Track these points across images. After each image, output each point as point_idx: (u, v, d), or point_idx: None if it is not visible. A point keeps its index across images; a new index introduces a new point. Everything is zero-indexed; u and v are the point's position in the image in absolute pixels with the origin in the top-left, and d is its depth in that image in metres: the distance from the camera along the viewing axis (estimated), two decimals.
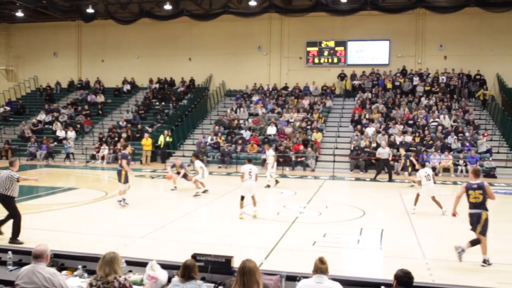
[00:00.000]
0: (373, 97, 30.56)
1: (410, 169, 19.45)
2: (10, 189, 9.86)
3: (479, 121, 27.71)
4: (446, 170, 23.27)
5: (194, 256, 5.94)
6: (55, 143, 29.39)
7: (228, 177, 22.37)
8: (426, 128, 26.39)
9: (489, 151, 24.33)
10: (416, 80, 31.01)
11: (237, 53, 33.82)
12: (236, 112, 30.82)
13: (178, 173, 17.64)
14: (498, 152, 24.85)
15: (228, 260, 6.02)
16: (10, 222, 10.12)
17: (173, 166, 18.23)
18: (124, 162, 13.86)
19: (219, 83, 34.42)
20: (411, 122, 27.20)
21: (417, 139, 25.34)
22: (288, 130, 27.44)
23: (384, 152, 22.14)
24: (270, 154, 19.23)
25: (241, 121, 29.52)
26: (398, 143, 24.96)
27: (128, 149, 14.79)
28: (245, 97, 32.64)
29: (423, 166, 14.66)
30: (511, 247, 10.40)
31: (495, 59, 30.04)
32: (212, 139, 27.27)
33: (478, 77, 30.44)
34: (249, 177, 12.70)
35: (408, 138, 25.33)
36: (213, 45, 33.88)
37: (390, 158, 22.38)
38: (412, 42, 31.65)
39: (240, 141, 26.69)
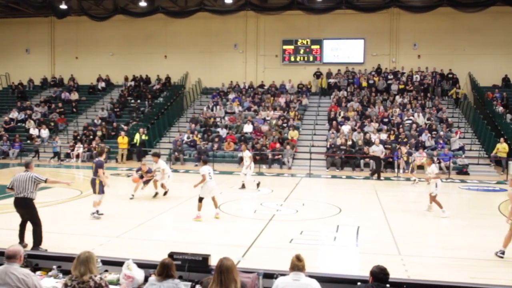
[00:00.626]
0: (349, 95, 30.82)
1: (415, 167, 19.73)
2: (33, 191, 9.20)
3: (452, 119, 28.19)
4: (420, 167, 23.57)
5: (171, 255, 5.90)
6: (40, 142, 28.77)
7: None
8: (400, 126, 26.73)
9: (461, 148, 24.77)
10: (390, 78, 31.40)
11: (213, 51, 33.73)
12: (212, 110, 30.74)
13: (142, 176, 15.98)
14: (470, 150, 25.33)
15: (205, 258, 6.00)
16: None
17: (139, 170, 16.39)
18: (100, 171, 12.34)
19: (195, 81, 34.28)
20: (386, 120, 27.51)
21: (392, 137, 25.64)
22: (265, 128, 27.48)
23: (377, 150, 21.92)
24: (246, 155, 18.35)
25: (218, 119, 29.44)
26: (373, 140, 25.23)
27: (104, 156, 13.46)
28: (221, 95, 32.58)
29: (433, 161, 14.30)
30: (483, 242, 10.61)
31: (467, 58, 30.65)
32: (188, 137, 27.13)
33: (450, 76, 30.99)
34: (210, 178, 12.40)
35: (383, 136, 25.61)
36: (189, 42, 33.73)
37: (382, 156, 22.27)
38: (387, 41, 32.05)
39: (216, 139, 26.63)
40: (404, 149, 21.15)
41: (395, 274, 6.72)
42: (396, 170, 23.29)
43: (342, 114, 28.50)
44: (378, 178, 21.33)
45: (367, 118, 27.67)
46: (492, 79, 30.70)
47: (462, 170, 23.29)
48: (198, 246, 9.53)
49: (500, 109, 27.85)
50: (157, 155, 15.95)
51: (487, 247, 10.14)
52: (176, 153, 25.87)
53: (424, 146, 24.69)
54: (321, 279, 5.40)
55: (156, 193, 15.76)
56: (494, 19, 29.86)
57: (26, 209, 9.27)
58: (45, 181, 9.34)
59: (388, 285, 5.19)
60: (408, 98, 29.86)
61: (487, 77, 30.45)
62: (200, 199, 12.33)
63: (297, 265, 5.15)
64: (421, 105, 29.01)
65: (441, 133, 25.89)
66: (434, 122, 27.27)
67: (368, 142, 24.97)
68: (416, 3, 29.58)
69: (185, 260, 5.93)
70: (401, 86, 30.92)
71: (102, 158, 12.88)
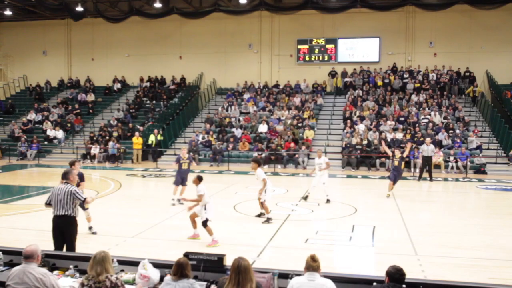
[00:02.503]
0: (364, 95, 30.66)
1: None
2: (73, 208, 7.69)
3: (469, 117, 27.87)
4: (437, 166, 23.36)
5: (187, 255, 5.92)
6: (94, 145, 28.68)
7: (220, 176, 22.36)
8: (417, 124, 26.49)
9: (479, 147, 24.48)
10: (406, 77, 31.15)
11: (228, 51, 33.78)
12: (227, 110, 30.79)
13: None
14: (488, 149, 25.02)
15: (221, 258, 6.01)
16: None
17: (179, 158, 14.44)
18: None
19: (210, 81, 34.36)
20: (402, 119, 27.30)
21: (408, 136, 25.44)
22: (280, 128, 27.45)
23: (427, 150, 21.16)
24: (323, 161, 15.60)
25: (233, 119, 29.49)
26: (389, 140, 25.08)
27: (78, 167, 10.92)
28: (236, 95, 32.62)
29: None
30: (501, 242, 10.48)
31: (484, 56, 30.26)
32: (203, 137, 27.22)
33: (467, 74, 30.63)
34: (209, 198, 10.39)
35: (399, 135, 25.43)
36: (204, 43, 33.83)
37: (433, 156, 21.50)
38: (402, 40, 31.77)
39: (231, 139, 26.67)
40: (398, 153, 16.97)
41: (411, 275, 6.67)
42: (412, 169, 23.10)
43: (357, 114, 28.34)
44: (430, 179, 20.63)
45: (383, 117, 27.49)
46: (510, 77, 30.25)
47: (480, 169, 23.01)
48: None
49: None
50: (258, 162, 12.52)
51: (505, 247, 10.03)
52: (191, 153, 25.96)
53: (441, 145, 24.45)
54: (336, 279, 5.38)
55: (261, 214, 12.67)
56: (511, 16, 29.40)
57: (68, 230, 7.72)
58: (84, 201, 7.92)
59: (404, 286, 5.15)
60: (424, 96, 29.59)
61: (505, 75, 30.01)
62: (205, 223, 10.07)
63: (312, 265, 5.14)
64: (437, 104, 28.73)
65: (458, 131, 25.62)
66: (451, 121, 26.99)
67: (384, 141, 24.82)
68: (432, 1, 29.27)
69: (200, 260, 5.94)
70: (417, 85, 30.62)
71: (75, 170, 10.24)
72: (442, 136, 25.11)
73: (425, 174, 20.97)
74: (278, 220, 12.38)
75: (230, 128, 28.39)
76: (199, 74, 34.51)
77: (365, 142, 24.90)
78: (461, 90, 30.48)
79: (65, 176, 7.85)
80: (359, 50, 32.60)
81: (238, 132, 27.66)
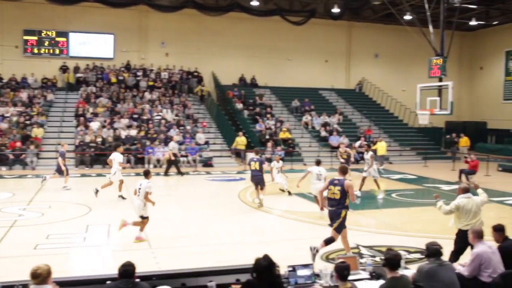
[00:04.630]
0: (98, 91, 30.05)
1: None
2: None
3: (197, 115, 29.91)
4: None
5: None
6: None
7: None
8: (150, 121, 27.26)
9: (207, 142, 26.56)
10: (139, 75, 31.69)
11: None
12: None
13: None
14: (214, 143, 27.29)
15: None
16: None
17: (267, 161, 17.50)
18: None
19: None
20: (136, 116, 27.70)
21: (142, 133, 25.98)
22: (4, 125, 24.93)
23: (175, 147, 22.40)
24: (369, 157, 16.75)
25: None
26: (123, 137, 25.21)
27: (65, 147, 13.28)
28: None
29: None
30: (226, 228, 11.62)
31: (211, 58, 32.87)
32: None
33: (196, 74, 32.84)
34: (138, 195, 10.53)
35: (133, 132, 25.78)
36: None
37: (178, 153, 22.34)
38: (136, 38, 32.23)
39: None
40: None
41: (146, 268, 6.95)
42: (146, 165, 23.65)
43: (91, 110, 27.65)
44: (180, 173, 21.62)
45: (117, 115, 27.47)
46: (232, 78, 33.63)
47: (207, 163, 24.96)
48: None
49: (239, 105, 30.68)
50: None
51: (229, 232, 11.21)
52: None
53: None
54: (68, 283, 5.26)
55: None
56: (232, 24, 32.58)
57: None
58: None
59: (138, 280, 5.34)
60: (157, 94, 30.59)
61: (228, 77, 33.21)
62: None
63: (33, 282, 4.86)
64: (169, 102, 30.04)
65: (188, 128, 27.29)
66: (182, 117, 28.56)
67: (118, 138, 24.83)
68: (163, 2, 30.36)
69: None
70: (151, 83, 31.46)
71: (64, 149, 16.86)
72: (173, 132, 26.36)
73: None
74: (3, 227, 11.30)
75: None
76: None
77: (99, 139, 24.51)
78: (190, 89, 32.45)
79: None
80: (93, 45, 31.78)
81: None
